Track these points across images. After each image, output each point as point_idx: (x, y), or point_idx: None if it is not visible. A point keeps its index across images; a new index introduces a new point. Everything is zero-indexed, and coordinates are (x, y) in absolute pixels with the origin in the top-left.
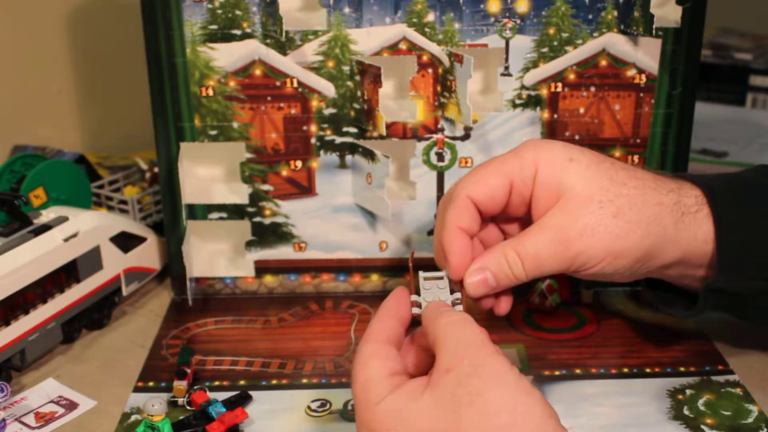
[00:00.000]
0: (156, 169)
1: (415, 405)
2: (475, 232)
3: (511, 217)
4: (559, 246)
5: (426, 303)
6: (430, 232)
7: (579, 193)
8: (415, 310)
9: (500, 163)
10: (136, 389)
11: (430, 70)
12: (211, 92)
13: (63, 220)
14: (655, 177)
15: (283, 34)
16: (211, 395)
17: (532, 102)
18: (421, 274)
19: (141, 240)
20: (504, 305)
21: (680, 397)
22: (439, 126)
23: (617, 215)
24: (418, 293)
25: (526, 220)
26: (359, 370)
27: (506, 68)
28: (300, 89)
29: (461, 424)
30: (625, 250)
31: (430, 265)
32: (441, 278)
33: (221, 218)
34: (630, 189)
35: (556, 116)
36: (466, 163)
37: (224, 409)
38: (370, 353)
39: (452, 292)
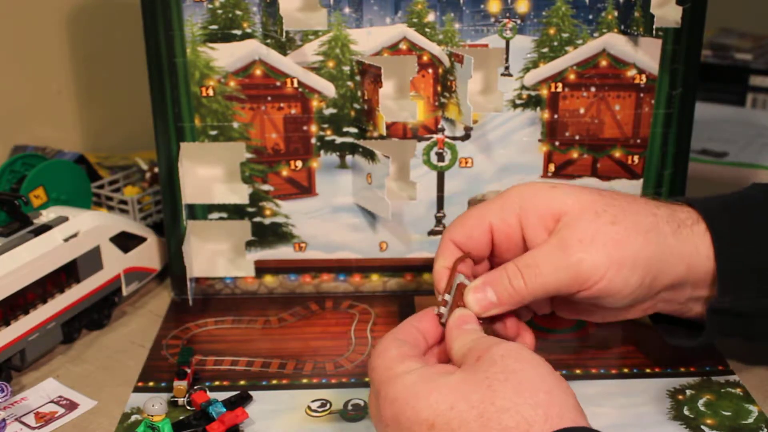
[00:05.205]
0: (156, 169)
1: (445, 379)
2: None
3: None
4: (557, 253)
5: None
6: (431, 233)
7: (572, 207)
8: (442, 309)
9: (481, 206)
10: (136, 389)
11: (430, 70)
12: (211, 92)
13: (63, 220)
14: (641, 196)
15: (284, 34)
16: (211, 395)
17: (533, 102)
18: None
19: (141, 240)
20: (527, 339)
21: (680, 397)
22: (440, 126)
23: (615, 222)
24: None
25: None
26: (377, 357)
27: (506, 68)
28: (300, 89)
29: (495, 399)
30: (629, 258)
31: (431, 265)
32: None
33: (221, 218)
34: (620, 200)
35: (556, 116)
36: (466, 163)
37: (224, 409)
38: (387, 344)
39: None
